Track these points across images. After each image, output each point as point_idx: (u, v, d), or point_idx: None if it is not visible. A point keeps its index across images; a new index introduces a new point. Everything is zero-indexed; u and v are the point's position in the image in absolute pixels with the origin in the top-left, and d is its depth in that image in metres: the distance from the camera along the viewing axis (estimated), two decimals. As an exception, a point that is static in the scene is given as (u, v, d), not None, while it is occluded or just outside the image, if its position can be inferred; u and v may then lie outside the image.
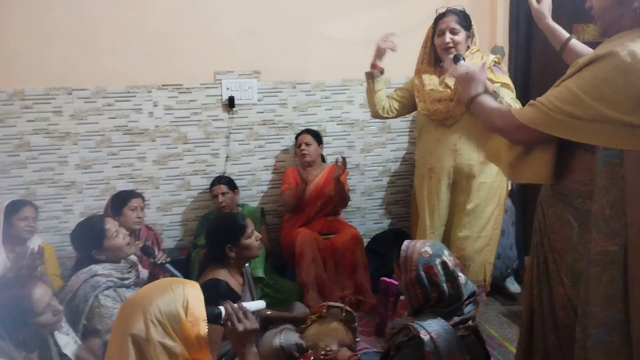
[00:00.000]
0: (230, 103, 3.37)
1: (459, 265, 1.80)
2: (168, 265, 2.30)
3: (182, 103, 3.35)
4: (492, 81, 2.37)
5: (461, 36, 2.46)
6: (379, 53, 2.66)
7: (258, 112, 3.46)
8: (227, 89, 3.37)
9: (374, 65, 2.70)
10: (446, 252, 1.78)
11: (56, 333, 1.87)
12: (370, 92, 2.73)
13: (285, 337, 2.19)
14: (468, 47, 2.52)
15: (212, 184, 3.29)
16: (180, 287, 1.43)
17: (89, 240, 2.26)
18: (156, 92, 3.30)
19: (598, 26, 1.47)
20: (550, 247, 1.59)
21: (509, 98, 2.37)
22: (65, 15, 3.08)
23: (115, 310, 2.12)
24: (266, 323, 2.45)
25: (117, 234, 2.29)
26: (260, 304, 1.82)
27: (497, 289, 3.16)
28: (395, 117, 2.82)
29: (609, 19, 1.42)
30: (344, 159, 3.13)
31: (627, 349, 1.37)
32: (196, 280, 1.63)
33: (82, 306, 2.10)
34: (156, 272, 2.35)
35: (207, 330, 1.41)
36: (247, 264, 2.42)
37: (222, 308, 1.60)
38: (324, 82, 3.52)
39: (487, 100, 1.68)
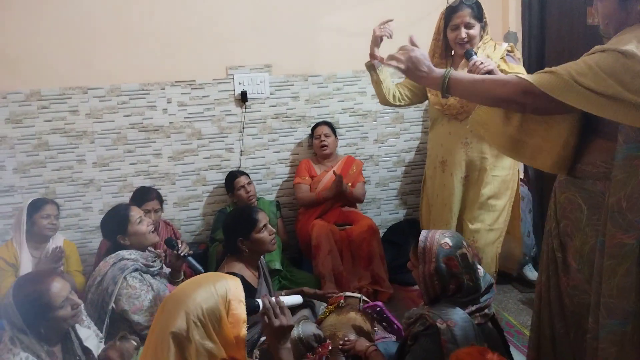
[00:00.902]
0: (243, 97, 3.39)
1: (477, 257, 1.79)
2: (190, 258, 2.34)
3: (195, 99, 3.37)
4: (506, 72, 2.33)
5: (476, 30, 2.43)
6: (375, 41, 2.54)
7: (271, 106, 3.47)
8: (239, 83, 3.39)
9: (372, 55, 2.57)
10: (465, 243, 1.76)
11: (77, 326, 1.89)
12: (377, 83, 2.62)
13: (303, 327, 2.20)
14: (481, 37, 2.49)
15: (233, 177, 3.28)
16: (223, 287, 1.44)
17: (114, 225, 2.32)
18: (169, 89, 3.33)
19: (611, 31, 1.45)
20: (558, 232, 1.58)
21: None
22: (78, 16, 3.12)
23: (142, 291, 2.18)
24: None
25: (140, 220, 2.34)
26: (297, 299, 1.84)
27: (515, 277, 3.15)
28: (409, 105, 2.73)
29: (617, 23, 1.42)
30: (339, 175, 3.20)
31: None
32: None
33: (111, 288, 2.15)
34: (178, 264, 2.39)
35: (246, 331, 1.42)
36: (262, 257, 2.45)
37: (259, 301, 1.62)
38: (335, 74, 3.51)
39: (464, 74, 1.63)
